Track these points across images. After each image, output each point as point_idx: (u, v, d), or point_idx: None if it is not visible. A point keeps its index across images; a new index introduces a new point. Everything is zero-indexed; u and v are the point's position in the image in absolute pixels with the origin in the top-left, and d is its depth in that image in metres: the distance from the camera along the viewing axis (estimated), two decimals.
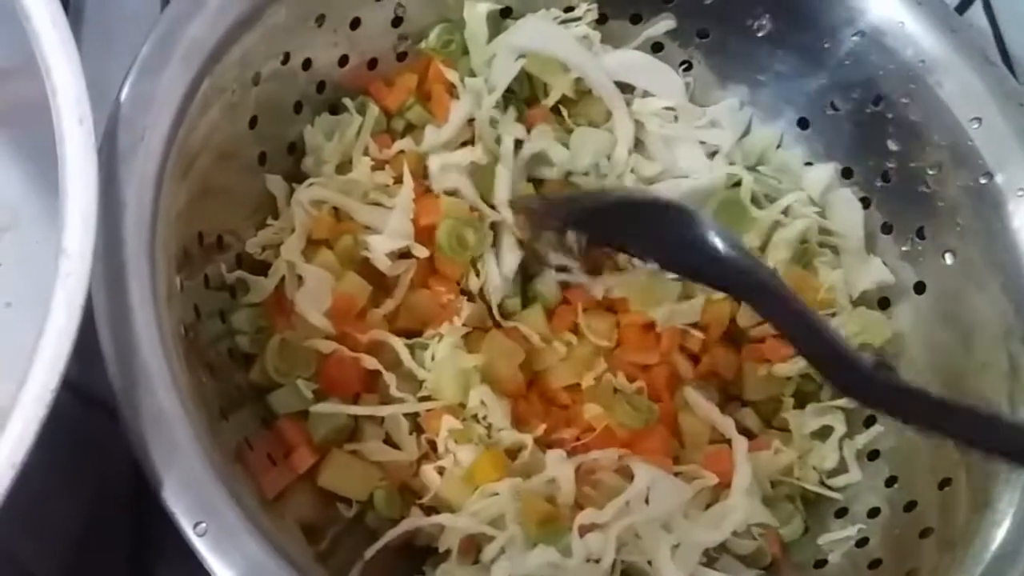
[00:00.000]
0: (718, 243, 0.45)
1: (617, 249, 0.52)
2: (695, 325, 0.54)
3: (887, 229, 0.56)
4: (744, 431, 0.52)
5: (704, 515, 0.50)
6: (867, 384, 0.41)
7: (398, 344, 0.50)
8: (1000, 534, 0.44)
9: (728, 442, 0.52)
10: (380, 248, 0.51)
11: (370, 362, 0.49)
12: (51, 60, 0.40)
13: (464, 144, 0.56)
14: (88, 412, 0.49)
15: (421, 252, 0.51)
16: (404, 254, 0.52)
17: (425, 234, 0.52)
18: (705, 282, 0.49)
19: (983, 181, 0.50)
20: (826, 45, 0.55)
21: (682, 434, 0.53)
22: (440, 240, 0.52)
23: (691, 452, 0.53)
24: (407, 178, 0.53)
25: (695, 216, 0.47)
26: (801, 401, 0.55)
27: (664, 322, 0.54)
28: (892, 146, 0.55)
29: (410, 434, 0.50)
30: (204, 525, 0.38)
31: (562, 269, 0.54)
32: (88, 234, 0.37)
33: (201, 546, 0.38)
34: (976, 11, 0.78)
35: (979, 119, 0.51)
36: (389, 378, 0.49)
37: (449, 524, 0.48)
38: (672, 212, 0.48)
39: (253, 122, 0.51)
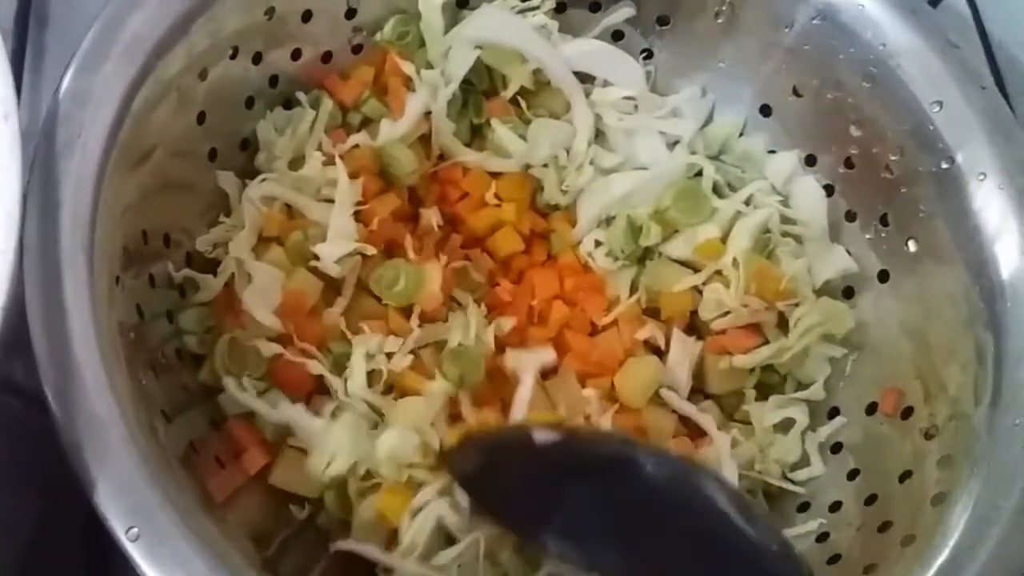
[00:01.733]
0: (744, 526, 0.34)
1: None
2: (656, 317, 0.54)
3: (851, 217, 0.55)
4: (696, 429, 0.52)
5: None
6: None
7: (324, 370, 0.49)
8: (958, 528, 0.42)
9: (688, 434, 0.52)
10: (328, 256, 0.50)
11: (314, 367, 0.49)
12: None
13: (421, 138, 0.56)
14: (35, 413, 0.48)
15: (369, 251, 0.50)
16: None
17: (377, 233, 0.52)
18: None
19: (945, 166, 0.49)
20: (785, 29, 0.54)
21: (647, 428, 0.52)
22: None
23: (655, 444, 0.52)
24: (342, 174, 0.51)
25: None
26: (763, 393, 0.54)
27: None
28: (854, 132, 0.54)
29: None
30: (136, 530, 0.37)
31: None
32: (11, 232, 0.37)
33: (133, 551, 0.37)
34: None
35: (940, 102, 0.50)
36: (335, 382, 0.49)
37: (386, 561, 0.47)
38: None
39: (201, 118, 0.50)
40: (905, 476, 0.48)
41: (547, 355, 0.51)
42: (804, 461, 0.52)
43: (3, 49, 0.39)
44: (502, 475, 0.41)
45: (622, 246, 0.55)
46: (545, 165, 0.56)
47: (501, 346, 0.52)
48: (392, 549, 0.47)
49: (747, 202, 0.56)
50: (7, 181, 0.37)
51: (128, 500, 0.37)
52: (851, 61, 0.52)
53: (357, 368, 0.49)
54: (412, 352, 0.50)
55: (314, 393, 0.50)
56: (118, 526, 0.37)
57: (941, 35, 0.51)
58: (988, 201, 0.48)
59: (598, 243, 0.56)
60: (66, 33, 0.65)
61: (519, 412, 0.50)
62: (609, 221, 0.56)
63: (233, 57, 0.51)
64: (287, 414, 0.48)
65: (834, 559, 0.48)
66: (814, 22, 0.53)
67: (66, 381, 0.39)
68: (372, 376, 0.49)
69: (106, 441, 0.38)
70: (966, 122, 0.49)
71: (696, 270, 0.55)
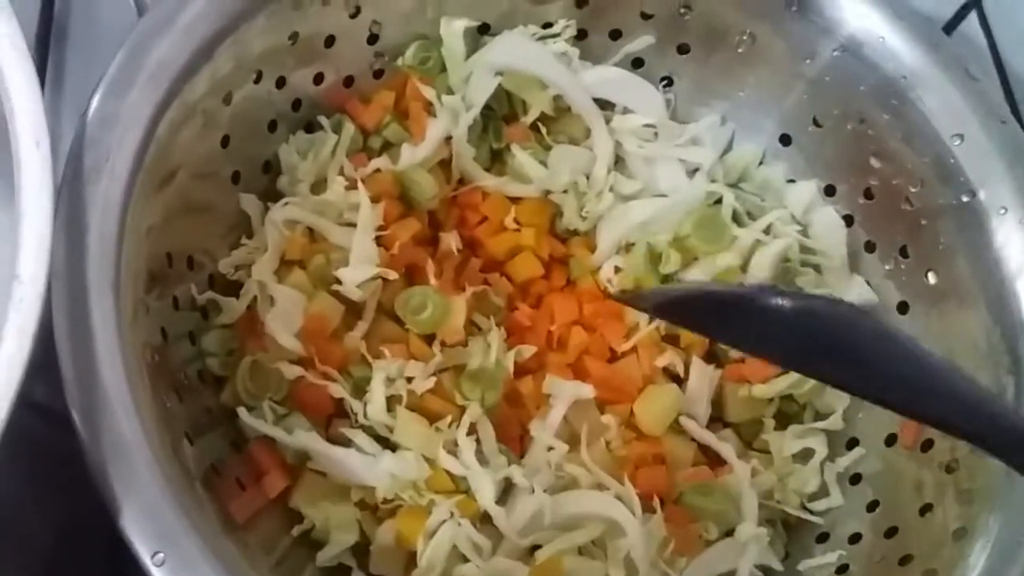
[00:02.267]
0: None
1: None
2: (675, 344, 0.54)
3: (870, 247, 0.55)
4: (715, 457, 0.52)
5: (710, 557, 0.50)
6: None
7: (344, 393, 0.49)
8: (979, 565, 0.42)
9: (707, 463, 0.52)
10: (351, 280, 0.50)
11: (335, 390, 0.49)
12: (9, 82, 0.39)
13: (441, 162, 0.56)
14: (60, 434, 0.48)
15: (391, 275, 0.51)
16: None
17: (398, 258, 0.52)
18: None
19: (965, 199, 0.50)
20: (807, 61, 0.55)
21: (666, 456, 0.52)
22: None
23: (674, 472, 0.52)
24: (364, 199, 0.52)
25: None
26: (782, 423, 0.54)
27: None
28: (874, 163, 0.54)
29: None
30: (162, 555, 0.37)
31: None
32: (42, 259, 0.37)
33: None
34: (971, 23, 0.77)
35: (961, 135, 0.50)
36: (355, 406, 0.49)
37: None
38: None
39: (225, 141, 0.50)
40: (925, 509, 0.48)
41: (584, 389, 0.51)
42: (823, 491, 0.52)
43: (34, 77, 0.40)
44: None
45: (641, 273, 0.55)
46: (565, 191, 0.57)
47: (520, 372, 0.52)
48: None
49: (766, 231, 0.56)
50: (39, 205, 0.37)
51: (153, 524, 0.37)
52: (872, 93, 0.53)
53: (377, 392, 0.49)
54: (433, 374, 0.50)
55: (334, 416, 0.50)
56: (144, 551, 0.37)
57: (961, 67, 0.52)
58: (1010, 236, 0.48)
59: (617, 269, 0.56)
60: (86, 47, 0.65)
61: (547, 437, 0.50)
62: (628, 247, 0.56)
63: (257, 81, 0.51)
64: (304, 441, 0.48)
65: None
66: (836, 54, 0.53)
67: (92, 403, 0.39)
68: (392, 400, 0.49)
69: (131, 463, 0.38)
70: (987, 155, 0.49)
71: None
